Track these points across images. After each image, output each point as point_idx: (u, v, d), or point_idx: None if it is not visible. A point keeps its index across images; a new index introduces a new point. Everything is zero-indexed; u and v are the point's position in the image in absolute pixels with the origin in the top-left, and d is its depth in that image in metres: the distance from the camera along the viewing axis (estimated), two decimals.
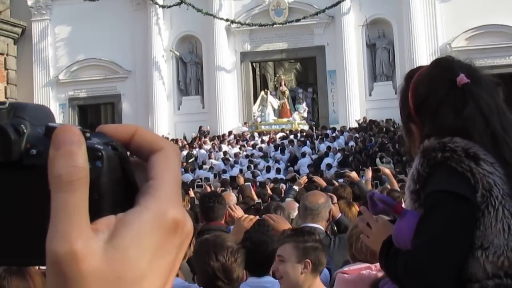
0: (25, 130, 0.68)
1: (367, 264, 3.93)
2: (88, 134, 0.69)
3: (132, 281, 0.65)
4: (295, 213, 8.04)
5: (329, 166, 28.58)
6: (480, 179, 2.35)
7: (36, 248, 0.66)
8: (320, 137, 33.09)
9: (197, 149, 33.65)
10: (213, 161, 31.37)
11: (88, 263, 0.63)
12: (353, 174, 10.81)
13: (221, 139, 34.69)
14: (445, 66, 2.69)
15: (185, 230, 0.69)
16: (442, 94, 2.59)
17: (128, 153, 0.73)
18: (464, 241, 2.36)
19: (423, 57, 35.53)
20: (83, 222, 0.64)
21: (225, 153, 31.65)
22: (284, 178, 25.18)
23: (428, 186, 2.44)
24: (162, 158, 0.71)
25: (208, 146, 33.88)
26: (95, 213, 0.66)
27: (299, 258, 4.36)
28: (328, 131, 33.83)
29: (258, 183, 20.86)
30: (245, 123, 37.62)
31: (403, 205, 2.67)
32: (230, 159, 31.27)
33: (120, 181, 0.69)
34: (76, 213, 0.64)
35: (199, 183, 18.26)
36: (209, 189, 14.87)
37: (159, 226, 0.67)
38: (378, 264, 3.76)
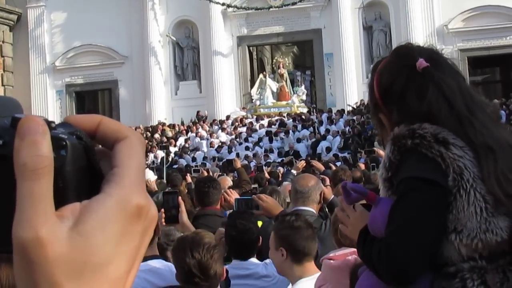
0: None
1: (353, 249, 3.93)
2: (53, 125, 0.70)
3: (97, 265, 0.67)
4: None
5: (328, 149, 28.61)
6: (451, 163, 2.37)
7: (5, 236, 0.67)
8: (317, 120, 33.12)
9: (192, 136, 33.70)
10: (205, 148, 31.44)
11: (53, 248, 0.65)
12: (381, 152, 10.82)
13: (220, 125, 34.62)
14: (404, 53, 2.71)
15: (149, 215, 0.71)
16: (403, 81, 2.60)
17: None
18: (437, 225, 2.38)
19: (420, 39, 35.40)
20: (48, 209, 0.66)
21: (221, 142, 31.73)
22: (280, 161, 25.19)
23: (399, 173, 2.46)
24: (126, 146, 0.73)
25: (204, 132, 33.90)
26: (60, 201, 0.67)
27: (276, 245, 4.43)
28: (324, 115, 33.85)
29: (256, 168, 20.90)
30: (243, 108, 37.62)
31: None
32: (226, 146, 31.34)
33: (85, 169, 0.71)
34: (41, 200, 0.65)
35: (196, 168, 18.29)
36: (206, 174, 14.91)
37: (122, 212, 0.69)
38: None
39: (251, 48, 40.42)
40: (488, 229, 2.33)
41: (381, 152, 11.52)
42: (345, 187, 2.61)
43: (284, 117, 34.40)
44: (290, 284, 4.60)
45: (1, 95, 0.72)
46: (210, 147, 31.78)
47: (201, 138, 33.26)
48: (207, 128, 34.66)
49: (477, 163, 2.39)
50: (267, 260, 5.08)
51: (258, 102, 36.96)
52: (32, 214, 0.65)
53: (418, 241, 2.36)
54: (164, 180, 16.19)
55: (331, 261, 3.86)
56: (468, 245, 2.35)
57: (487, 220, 2.34)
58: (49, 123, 0.70)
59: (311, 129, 32.06)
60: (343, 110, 34.25)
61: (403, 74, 2.62)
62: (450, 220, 2.37)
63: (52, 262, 0.65)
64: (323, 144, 30.06)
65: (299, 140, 30.70)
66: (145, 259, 4.62)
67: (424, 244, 2.37)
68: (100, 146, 0.75)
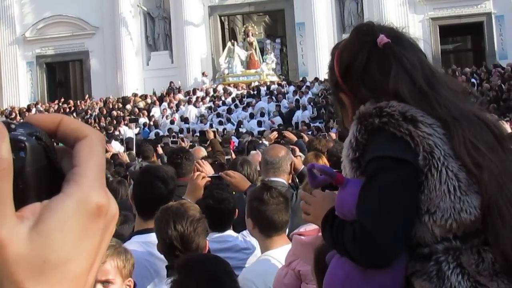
0: None
1: None
2: (13, 126, 0.72)
3: (57, 264, 0.69)
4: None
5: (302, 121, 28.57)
6: (420, 142, 2.33)
7: None
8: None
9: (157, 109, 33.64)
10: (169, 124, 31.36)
11: (12, 249, 0.67)
12: None
13: (188, 100, 34.31)
14: (365, 30, 2.67)
15: (109, 213, 0.74)
16: (364, 57, 2.57)
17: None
18: (410, 204, 2.34)
19: (392, 8, 35.57)
20: (7, 210, 0.68)
21: (186, 118, 31.56)
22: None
23: (367, 153, 2.41)
24: (86, 145, 0.76)
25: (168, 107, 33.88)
26: (21, 201, 0.70)
27: (247, 214, 4.49)
28: (291, 88, 33.82)
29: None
30: (203, 73, 37.44)
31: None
32: (192, 119, 31.28)
33: (45, 170, 0.74)
34: (1, 202, 0.67)
35: (174, 140, 18.21)
36: (184, 144, 14.89)
37: (82, 211, 0.71)
38: None
39: (222, 18, 40.24)
40: (462, 209, 2.29)
41: None
42: (311, 169, 2.54)
43: (253, 90, 34.11)
44: (259, 253, 4.66)
45: None
46: (181, 120, 31.63)
47: (175, 109, 33.12)
48: (180, 98, 34.50)
49: (447, 140, 2.35)
50: (244, 232, 5.12)
51: (226, 71, 36.72)
52: None
53: (395, 221, 2.32)
54: (134, 152, 16.10)
55: (302, 237, 3.85)
56: (442, 226, 2.31)
57: (460, 199, 2.30)
58: (8, 124, 0.71)
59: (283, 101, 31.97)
60: (316, 79, 34.20)
61: (364, 50, 2.59)
62: (422, 201, 2.33)
63: (12, 263, 0.66)
64: (299, 114, 30.06)
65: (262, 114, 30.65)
66: (148, 231, 4.63)
67: (399, 222, 2.33)
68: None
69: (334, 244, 2.51)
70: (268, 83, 34.30)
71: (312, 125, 27.09)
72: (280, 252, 4.29)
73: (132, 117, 29.05)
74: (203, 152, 10.62)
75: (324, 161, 7.82)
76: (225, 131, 26.67)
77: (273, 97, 32.29)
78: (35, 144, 0.72)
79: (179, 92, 36.01)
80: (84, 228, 0.70)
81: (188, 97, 34.63)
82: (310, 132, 21.87)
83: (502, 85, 28.72)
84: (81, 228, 0.70)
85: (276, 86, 33.69)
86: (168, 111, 33.09)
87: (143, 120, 31.29)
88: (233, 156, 11.35)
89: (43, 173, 0.72)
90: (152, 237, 4.39)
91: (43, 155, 0.73)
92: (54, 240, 0.68)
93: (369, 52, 2.58)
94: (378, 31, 2.61)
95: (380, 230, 2.31)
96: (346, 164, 2.50)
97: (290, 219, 4.51)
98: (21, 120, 0.78)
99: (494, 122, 2.57)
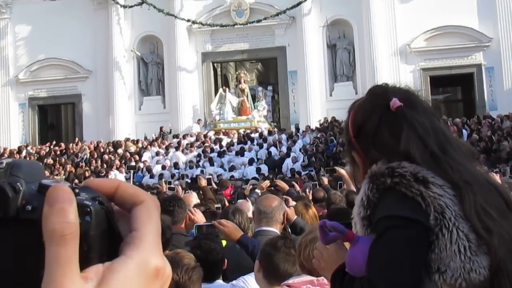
0: (20, 188, 0.78)
1: (310, 278, 3.96)
2: (77, 190, 0.78)
3: None
4: (249, 213, 8.09)
5: (292, 170, 28.48)
6: (431, 202, 2.36)
7: None
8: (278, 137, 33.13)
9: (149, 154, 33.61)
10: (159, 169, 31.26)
11: None
12: (342, 170, 10.99)
13: (177, 145, 34.12)
14: (379, 92, 2.73)
15: (165, 275, 0.81)
16: (377, 120, 2.63)
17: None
18: (419, 263, 2.36)
19: (383, 58, 35.92)
20: (74, 272, 0.74)
21: (175, 163, 31.34)
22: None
23: (378, 211, 2.44)
24: (144, 210, 0.82)
25: (157, 150, 33.83)
26: (85, 263, 0.76)
27: (258, 256, 4.54)
28: (283, 135, 33.73)
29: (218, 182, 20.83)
30: (198, 120, 37.43)
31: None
32: (181, 164, 31.15)
33: (106, 233, 0.80)
34: (68, 264, 0.73)
35: (171, 186, 18.18)
36: (181, 191, 14.85)
37: (142, 273, 0.78)
38: (320, 278, 3.83)
39: (215, 64, 40.45)
40: (472, 269, 2.31)
41: (342, 171, 11.63)
42: (323, 226, 2.57)
43: (244, 138, 33.99)
44: None
45: (27, 160, 0.83)
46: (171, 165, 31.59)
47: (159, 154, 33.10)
48: (168, 142, 34.48)
49: (457, 201, 2.38)
50: (234, 282, 5.14)
51: (218, 117, 36.77)
52: (60, 277, 0.72)
53: (403, 280, 2.35)
54: None
55: None
56: (452, 285, 2.32)
57: (471, 259, 2.32)
58: (73, 188, 0.77)
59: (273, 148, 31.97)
60: (309, 127, 34.35)
61: (376, 113, 2.64)
62: (432, 260, 2.36)
63: None
64: (288, 162, 30.08)
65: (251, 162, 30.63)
66: None
67: (409, 282, 2.36)
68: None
69: None
70: (260, 130, 34.32)
71: (303, 173, 27.11)
72: None
73: (131, 164, 28.96)
74: (194, 198, 10.61)
75: (313, 210, 7.88)
76: (220, 177, 26.57)
77: (264, 144, 32.31)
78: (98, 208, 0.78)
79: (170, 133, 35.99)
80: None
81: (177, 140, 34.58)
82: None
83: (492, 136, 28.91)
84: None
85: (275, 135, 33.62)
86: (159, 157, 32.99)
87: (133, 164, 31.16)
88: (226, 203, 11.36)
89: (104, 236, 0.78)
90: None
91: (105, 218, 0.79)
92: None
93: (381, 115, 2.63)
94: (392, 94, 2.66)
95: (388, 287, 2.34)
96: (357, 222, 2.54)
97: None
98: (81, 184, 0.83)
99: (504, 188, 2.61)
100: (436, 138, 2.57)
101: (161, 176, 28.53)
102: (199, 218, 7.29)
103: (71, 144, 36.48)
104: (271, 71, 44.16)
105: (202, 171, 27.20)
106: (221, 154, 31.64)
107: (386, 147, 2.58)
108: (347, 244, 2.60)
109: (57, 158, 33.80)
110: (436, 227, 2.35)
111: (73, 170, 31.63)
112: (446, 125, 2.76)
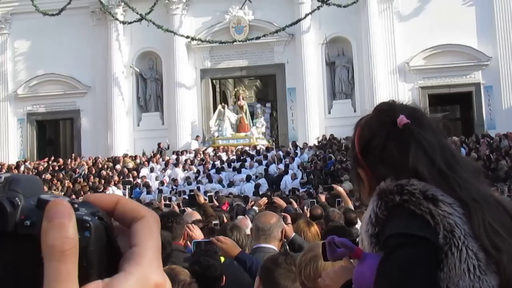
0: (19, 203, 0.77)
1: None
2: (76, 205, 0.77)
3: None
4: (247, 230, 8.07)
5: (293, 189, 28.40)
6: (441, 220, 2.34)
7: None
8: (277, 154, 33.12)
9: (147, 170, 33.59)
10: (157, 185, 31.22)
11: None
12: (340, 188, 10.97)
13: (176, 162, 34.23)
14: (386, 109, 2.72)
15: None
16: (384, 136, 2.61)
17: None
18: (427, 282, 2.33)
19: (382, 76, 35.98)
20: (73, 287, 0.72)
21: (174, 179, 31.44)
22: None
23: (387, 228, 2.42)
24: (143, 226, 0.81)
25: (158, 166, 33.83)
26: (84, 279, 0.75)
27: (258, 272, 4.53)
28: (279, 152, 33.74)
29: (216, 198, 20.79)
30: (197, 137, 37.50)
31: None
32: (180, 180, 31.20)
33: (105, 248, 0.79)
34: (67, 279, 0.71)
35: (167, 203, 18.17)
36: (177, 209, 14.81)
37: None
38: None
39: (214, 81, 40.53)
40: None
41: (339, 189, 11.63)
42: (331, 242, 2.57)
43: (242, 155, 34.05)
44: None
45: (25, 175, 0.82)
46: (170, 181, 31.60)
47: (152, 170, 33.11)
48: (167, 158, 34.53)
49: (466, 219, 2.37)
50: None
51: (216, 134, 36.79)
52: None
53: None
54: None
55: None
56: None
57: (480, 278, 2.30)
58: (72, 203, 0.76)
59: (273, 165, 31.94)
60: (306, 144, 34.39)
61: (383, 129, 2.63)
62: (441, 279, 2.33)
63: None
64: (286, 179, 30.07)
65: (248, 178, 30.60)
66: None
67: None
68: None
69: None
70: (258, 147, 34.33)
71: (301, 190, 27.09)
72: None
73: (126, 179, 28.97)
74: (196, 215, 10.57)
75: (315, 228, 7.86)
76: (218, 193, 26.54)
77: (263, 161, 32.31)
78: (98, 224, 0.77)
79: (168, 149, 36.06)
80: None
81: (175, 157, 34.61)
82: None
83: (491, 154, 28.94)
84: None
85: (273, 152, 33.63)
86: (157, 173, 32.99)
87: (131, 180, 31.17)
88: (225, 220, 11.32)
89: (104, 251, 0.77)
90: None
91: (104, 234, 0.77)
92: None
93: (388, 132, 2.62)
94: (399, 111, 2.65)
95: None
96: (364, 239, 2.51)
97: None
98: (80, 199, 0.82)
99: (511, 205, 2.57)
100: (443, 155, 2.56)
101: (160, 191, 28.53)
102: (197, 234, 7.27)
103: (69, 160, 36.47)
104: (269, 88, 44.23)
105: (198, 188, 27.10)
106: (219, 171, 31.63)
107: (394, 164, 2.56)
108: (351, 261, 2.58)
109: (55, 174, 33.81)
110: (445, 246, 2.32)
111: (71, 186, 31.60)
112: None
